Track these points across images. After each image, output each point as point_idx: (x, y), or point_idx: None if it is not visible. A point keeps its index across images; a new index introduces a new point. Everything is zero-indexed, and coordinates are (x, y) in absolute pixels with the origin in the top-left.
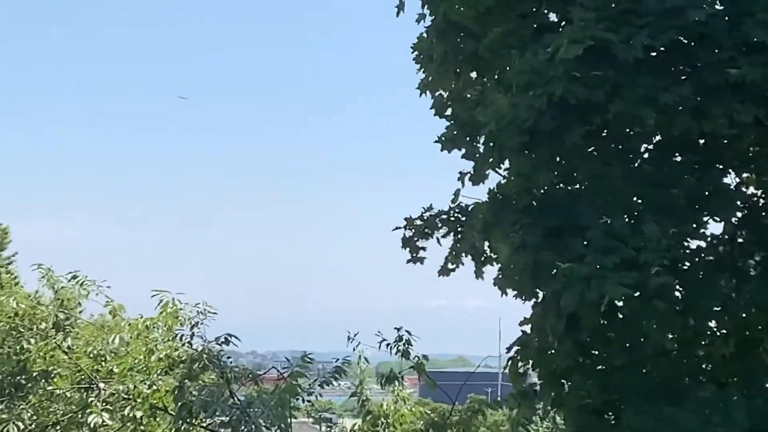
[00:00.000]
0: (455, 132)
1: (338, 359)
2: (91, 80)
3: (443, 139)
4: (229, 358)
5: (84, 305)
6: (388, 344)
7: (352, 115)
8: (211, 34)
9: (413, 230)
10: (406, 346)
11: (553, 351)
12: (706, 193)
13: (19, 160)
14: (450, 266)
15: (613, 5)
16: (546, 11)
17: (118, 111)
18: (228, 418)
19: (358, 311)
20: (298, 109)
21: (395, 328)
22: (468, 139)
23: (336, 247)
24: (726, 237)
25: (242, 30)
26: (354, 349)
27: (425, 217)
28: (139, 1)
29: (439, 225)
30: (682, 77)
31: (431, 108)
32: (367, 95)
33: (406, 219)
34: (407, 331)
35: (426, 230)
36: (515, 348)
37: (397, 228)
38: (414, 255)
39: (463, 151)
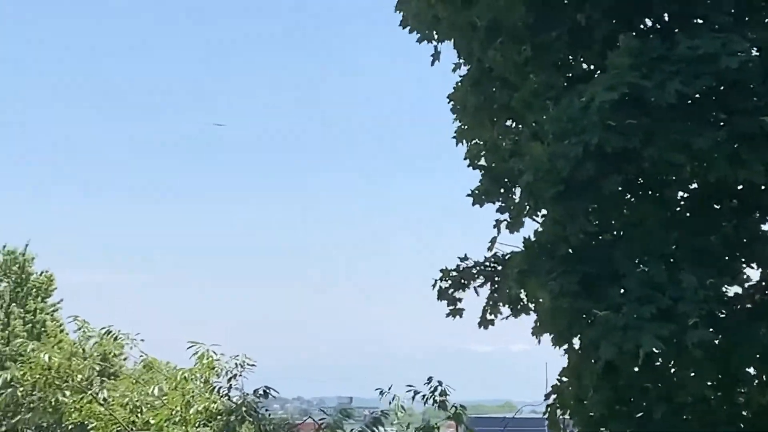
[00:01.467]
0: (488, 185)
1: (374, 410)
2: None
3: (476, 192)
4: (267, 410)
5: (125, 355)
6: (423, 396)
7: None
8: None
9: (449, 281)
10: (442, 396)
11: (588, 399)
12: (744, 240)
13: (62, 209)
14: (489, 317)
15: (645, 53)
16: (581, 60)
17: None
18: None
19: (405, 356)
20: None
21: (428, 379)
22: (502, 191)
23: (382, 292)
24: (764, 284)
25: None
26: (392, 398)
27: (461, 268)
28: None
29: (476, 275)
30: (719, 123)
31: (465, 158)
32: (407, 141)
33: (441, 270)
34: (439, 382)
35: (462, 281)
36: (553, 395)
37: (435, 281)
38: (452, 308)
39: (497, 204)
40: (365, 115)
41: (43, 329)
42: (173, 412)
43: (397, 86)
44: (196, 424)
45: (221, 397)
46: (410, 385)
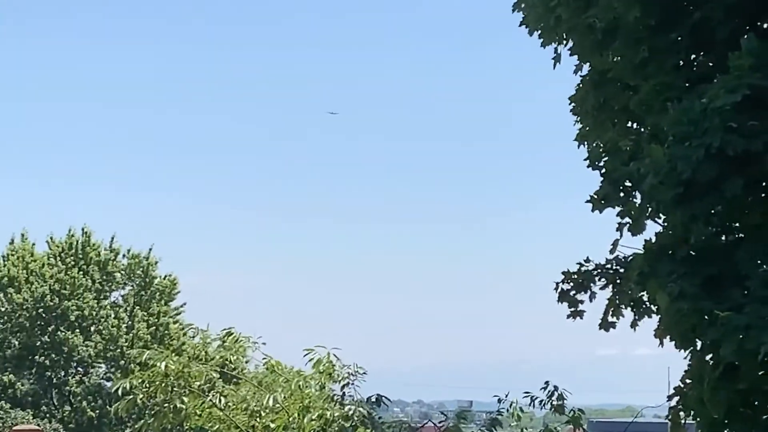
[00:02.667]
0: (608, 189)
1: (492, 412)
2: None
3: (595, 198)
4: (381, 417)
5: (249, 358)
6: (541, 401)
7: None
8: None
9: (571, 283)
10: (560, 400)
11: (709, 401)
12: None
13: (186, 212)
14: (610, 319)
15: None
16: (702, 60)
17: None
18: None
19: (526, 360)
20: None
21: (544, 383)
22: (622, 194)
23: (503, 294)
24: None
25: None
26: (511, 404)
27: (583, 270)
28: None
29: (597, 277)
30: None
31: (586, 159)
32: (529, 140)
33: (563, 273)
34: (555, 386)
35: (584, 283)
36: (675, 398)
37: (557, 284)
38: (573, 309)
39: (618, 209)
40: (482, 116)
41: (166, 332)
42: (291, 419)
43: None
44: (312, 431)
45: (336, 404)
46: (527, 392)
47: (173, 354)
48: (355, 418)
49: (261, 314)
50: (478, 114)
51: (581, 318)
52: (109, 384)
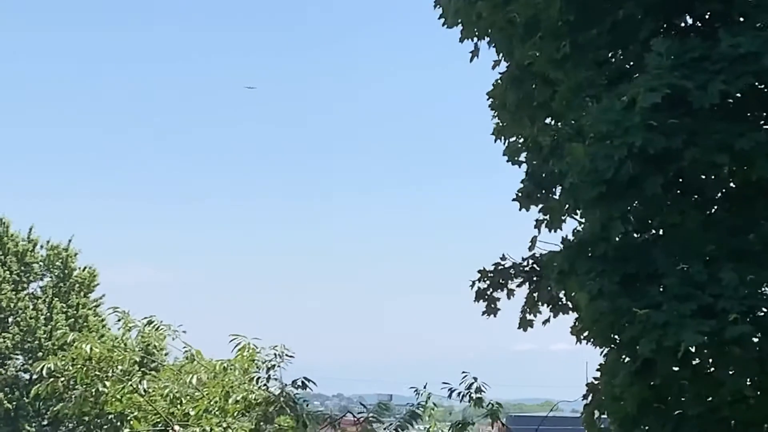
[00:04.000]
0: (531, 188)
1: (411, 404)
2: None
3: (520, 195)
4: (305, 401)
5: (167, 348)
6: (459, 393)
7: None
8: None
9: (488, 282)
10: (478, 393)
11: (623, 397)
12: None
13: (106, 205)
14: (528, 317)
15: (687, 52)
16: (622, 58)
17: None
18: None
19: (445, 355)
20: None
21: (462, 374)
22: (543, 191)
23: (421, 291)
24: None
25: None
26: (428, 397)
27: (499, 268)
28: None
29: (514, 275)
30: (760, 123)
31: (504, 154)
32: (446, 139)
33: (479, 271)
34: (474, 378)
35: (501, 281)
36: (590, 394)
37: (473, 282)
38: (490, 306)
39: (540, 206)
40: (405, 113)
41: (85, 324)
42: (212, 403)
43: (435, 84)
44: (235, 414)
45: (260, 387)
46: (445, 383)
47: (96, 340)
48: (281, 400)
49: (183, 310)
50: (398, 109)
51: (495, 316)
52: (26, 376)
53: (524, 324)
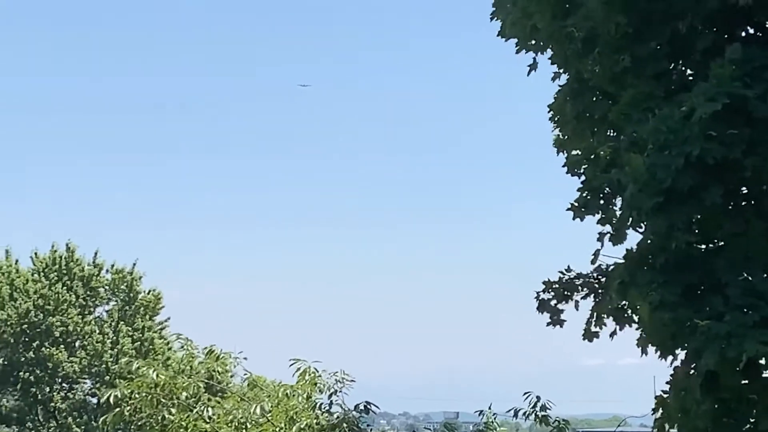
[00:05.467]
0: (588, 197)
1: (478, 423)
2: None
3: (575, 205)
4: (370, 426)
5: (231, 372)
6: (524, 412)
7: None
8: None
9: (552, 293)
10: (543, 411)
11: (692, 411)
12: None
13: (166, 226)
14: (593, 329)
15: (747, 62)
16: (682, 69)
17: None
18: None
19: (512, 369)
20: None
21: (524, 394)
22: (602, 202)
23: (484, 305)
24: None
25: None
26: (492, 416)
27: (564, 280)
28: None
29: (579, 287)
30: None
31: (564, 166)
32: (507, 153)
33: (544, 282)
34: (537, 397)
35: (565, 293)
36: (659, 408)
37: (537, 293)
38: (554, 318)
39: (598, 216)
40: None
41: (150, 347)
42: (277, 430)
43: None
44: None
45: (323, 413)
46: (512, 408)
47: (160, 366)
48: (344, 426)
49: (244, 325)
50: (453, 124)
51: (561, 326)
52: (94, 400)
53: (589, 335)
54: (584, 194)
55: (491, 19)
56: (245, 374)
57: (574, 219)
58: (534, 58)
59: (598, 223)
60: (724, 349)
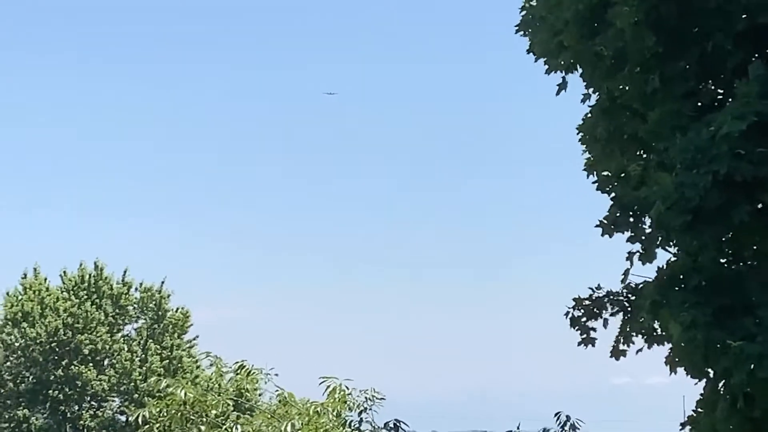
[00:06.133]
0: (617, 214)
1: None
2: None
3: (605, 222)
4: None
5: (263, 390)
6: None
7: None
8: None
9: (582, 310)
10: (573, 430)
11: (723, 430)
12: None
13: (198, 245)
14: (621, 347)
15: None
16: (711, 88)
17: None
18: None
19: (539, 388)
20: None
21: (555, 414)
22: (632, 220)
23: (513, 322)
24: None
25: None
26: None
27: (594, 297)
28: None
29: (608, 305)
30: None
31: (594, 183)
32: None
33: (574, 299)
34: (567, 416)
35: (595, 310)
36: (688, 427)
37: (568, 310)
38: (585, 336)
39: (627, 234)
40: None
41: (179, 365)
42: None
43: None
44: None
45: (353, 430)
46: (543, 428)
47: (189, 384)
48: None
49: (273, 345)
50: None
51: (593, 345)
52: (123, 418)
53: (616, 353)
54: (614, 211)
55: (516, 31)
56: (277, 390)
57: (603, 235)
58: (563, 78)
59: (627, 241)
60: (755, 370)
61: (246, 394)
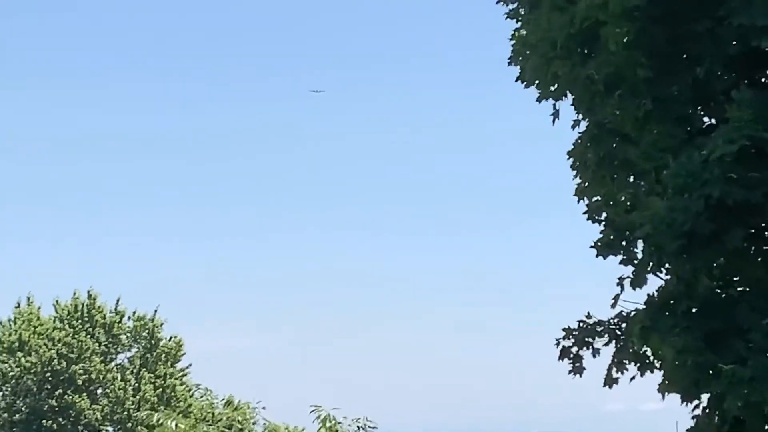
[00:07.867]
0: (611, 237)
1: None
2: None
3: (599, 244)
4: None
5: (254, 419)
6: None
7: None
8: None
9: (572, 339)
10: None
11: None
12: None
13: (190, 271)
14: (614, 375)
15: (766, 105)
16: (702, 113)
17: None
18: None
19: (534, 413)
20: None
21: None
22: (624, 243)
23: (505, 350)
24: None
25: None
26: None
27: (584, 326)
28: None
29: (600, 333)
30: None
31: (585, 213)
32: (522, 204)
33: (564, 329)
34: None
35: (586, 339)
36: None
37: (558, 340)
38: (575, 365)
39: (620, 257)
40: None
41: (172, 394)
42: None
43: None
44: None
45: None
46: None
47: (180, 416)
48: None
49: (266, 374)
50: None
51: (581, 375)
52: None
53: (609, 381)
54: (607, 233)
55: (509, 64)
56: (265, 423)
57: (597, 256)
58: (554, 105)
59: (620, 263)
60: (748, 394)
61: (236, 425)
